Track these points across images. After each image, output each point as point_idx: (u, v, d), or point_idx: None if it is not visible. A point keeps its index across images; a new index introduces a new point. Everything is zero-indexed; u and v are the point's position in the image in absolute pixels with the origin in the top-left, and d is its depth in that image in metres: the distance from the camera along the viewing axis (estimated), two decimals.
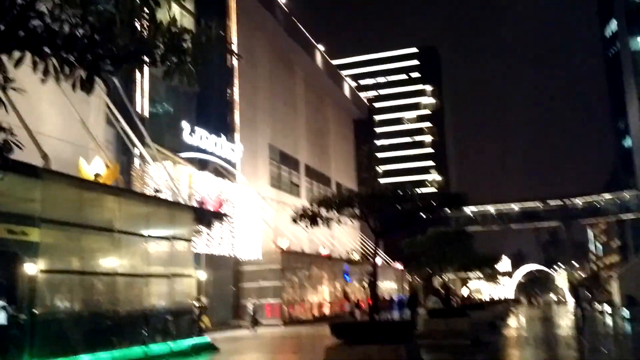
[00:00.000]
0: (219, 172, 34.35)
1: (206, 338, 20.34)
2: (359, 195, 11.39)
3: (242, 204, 33.96)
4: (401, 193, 11.19)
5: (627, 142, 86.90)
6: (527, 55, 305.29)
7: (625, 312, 30.97)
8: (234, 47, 38.94)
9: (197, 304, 21.59)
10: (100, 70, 4.57)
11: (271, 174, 47.11)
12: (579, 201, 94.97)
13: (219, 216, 23.90)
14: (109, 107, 24.17)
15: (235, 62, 39.42)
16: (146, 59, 4.42)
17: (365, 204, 11.36)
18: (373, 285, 12.12)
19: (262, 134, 45.65)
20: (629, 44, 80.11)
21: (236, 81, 39.65)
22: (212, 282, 32.93)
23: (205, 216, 21.48)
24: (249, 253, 33.92)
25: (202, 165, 32.99)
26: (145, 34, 4.34)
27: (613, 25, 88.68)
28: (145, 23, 4.44)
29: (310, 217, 11.92)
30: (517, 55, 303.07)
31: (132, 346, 15.96)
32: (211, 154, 33.78)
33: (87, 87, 4.56)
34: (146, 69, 27.29)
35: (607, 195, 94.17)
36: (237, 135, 38.59)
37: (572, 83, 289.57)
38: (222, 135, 35.35)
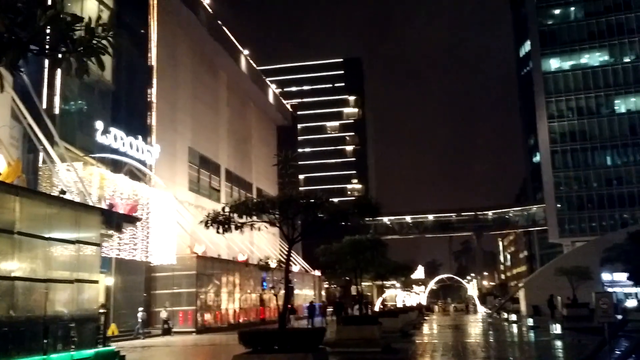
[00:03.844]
0: (134, 174, 33.24)
1: (112, 347, 19.48)
2: (271, 200, 11.21)
3: (158, 208, 32.98)
4: (313, 200, 11.12)
5: (537, 158, 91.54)
6: (445, 72, 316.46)
7: (530, 321, 32.43)
8: (154, 46, 37.93)
9: (102, 311, 20.68)
10: None
11: (190, 177, 46.12)
12: (490, 213, 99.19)
13: (129, 219, 23.00)
14: (14, 102, 22.83)
15: (154, 61, 38.37)
16: (33, 47, 4.07)
17: (279, 210, 11.21)
18: (285, 293, 11.95)
19: (182, 136, 44.64)
20: (540, 65, 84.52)
21: (155, 81, 38.62)
22: (122, 288, 31.77)
23: (114, 219, 20.57)
24: (162, 258, 32.95)
25: (115, 166, 31.82)
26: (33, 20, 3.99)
27: (527, 45, 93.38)
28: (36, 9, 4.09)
29: (222, 222, 11.63)
30: (435, 71, 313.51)
31: (31, 355, 15.01)
32: (126, 155, 32.64)
33: None
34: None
35: (516, 209, 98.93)
36: (154, 137, 37.55)
37: (488, 100, 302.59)
38: (139, 136, 34.27)
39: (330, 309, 45.36)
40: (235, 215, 11.59)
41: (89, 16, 4.23)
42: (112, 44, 4.51)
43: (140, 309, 30.90)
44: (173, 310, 35.34)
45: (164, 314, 30.51)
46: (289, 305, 43.13)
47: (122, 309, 31.60)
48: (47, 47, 4.07)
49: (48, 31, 4.17)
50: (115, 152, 31.73)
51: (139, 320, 30.06)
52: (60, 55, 4.10)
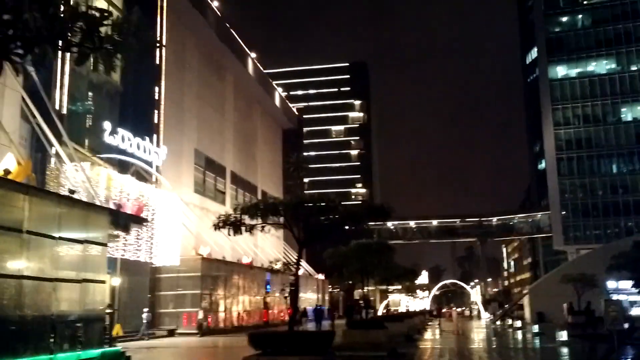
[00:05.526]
0: (141, 175, 33.30)
1: (117, 347, 19.46)
2: (284, 203, 11.19)
3: (163, 209, 33.01)
4: (327, 203, 11.09)
5: (542, 165, 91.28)
6: (451, 78, 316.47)
7: (535, 328, 32.29)
8: (162, 47, 37.92)
9: (109, 311, 20.68)
10: (10, 54, 4.16)
11: (196, 179, 46.16)
12: (494, 219, 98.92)
13: (137, 220, 23.00)
14: (24, 101, 22.89)
15: (163, 61, 38.43)
16: (60, 43, 4.06)
17: (291, 212, 11.18)
18: (295, 295, 11.90)
19: (188, 138, 44.71)
20: (547, 72, 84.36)
21: (163, 82, 38.69)
22: (127, 288, 31.79)
23: (122, 220, 20.56)
24: (167, 259, 32.95)
25: (122, 167, 31.88)
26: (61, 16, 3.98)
27: (533, 52, 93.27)
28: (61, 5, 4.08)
29: (233, 224, 11.62)
30: (441, 77, 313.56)
31: (38, 354, 14.99)
32: (133, 156, 32.70)
33: None
34: (67, 62, 26.12)
35: (521, 215, 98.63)
36: (161, 138, 37.61)
37: (494, 105, 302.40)
38: (146, 137, 34.33)
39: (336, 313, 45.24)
40: (246, 217, 11.55)
41: (117, 14, 4.21)
42: (133, 44, 4.50)
43: (145, 309, 30.89)
44: (177, 311, 35.37)
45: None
46: (303, 308, 43.22)
47: (126, 310, 31.60)
48: (73, 43, 4.04)
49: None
50: (123, 153, 31.79)
51: (144, 321, 30.05)
52: (87, 52, 4.07)
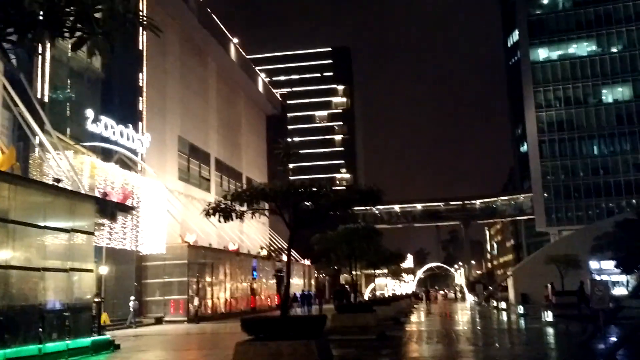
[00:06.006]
0: (125, 163, 33.01)
1: (106, 335, 19.42)
2: (274, 188, 11.16)
3: (148, 197, 32.81)
4: (318, 188, 11.09)
5: (524, 148, 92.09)
6: (433, 61, 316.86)
7: (520, 309, 32.75)
8: (142, 34, 37.41)
9: (96, 300, 20.59)
10: (2, 40, 4.07)
11: (180, 166, 45.89)
12: (477, 202, 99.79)
13: (123, 208, 22.87)
14: (6, 90, 22.51)
15: (144, 47, 37.97)
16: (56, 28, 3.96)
17: (281, 198, 11.17)
18: (287, 281, 11.94)
19: (172, 125, 44.36)
20: (529, 54, 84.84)
21: (145, 69, 38.26)
22: (114, 277, 31.65)
23: (108, 208, 20.44)
24: (153, 247, 32.82)
25: (106, 155, 31.58)
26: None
27: (515, 35, 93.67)
28: None
29: (224, 211, 11.57)
30: (423, 59, 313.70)
31: (27, 344, 14.92)
32: (116, 143, 32.40)
33: None
34: (47, 49, 25.69)
35: (504, 198, 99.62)
36: (144, 126, 37.28)
37: (476, 88, 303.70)
38: (129, 124, 33.99)
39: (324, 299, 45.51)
40: (237, 204, 11.51)
41: None
42: (128, 28, 4.43)
43: (132, 298, 30.81)
44: (164, 299, 35.33)
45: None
46: (292, 294, 43.36)
47: (113, 299, 31.48)
48: (72, 28, 3.95)
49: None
50: (106, 141, 31.48)
51: (131, 309, 29.97)
52: (84, 36, 3.99)
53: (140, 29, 4.31)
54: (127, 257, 32.75)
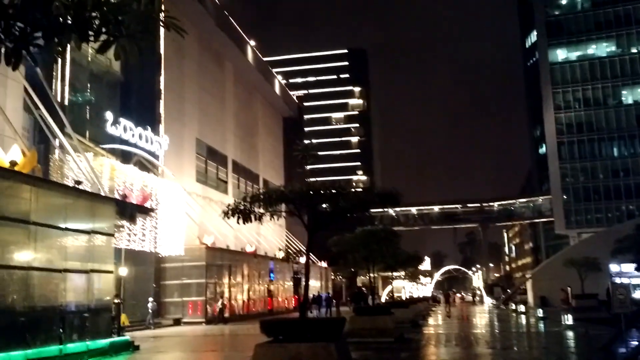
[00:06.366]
0: (143, 165, 33.27)
1: (126, 336, 19.58)
2: (294, 190, 11.17)
3: (167, 199, 33.03)
4: (337, 190, 11.07)
5: (543, 149, 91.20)
6: (450, 63, 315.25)
7: (539, 312, 32.43)
8: (161, 37, 37.70)
9: (116, 301, 20.77)
10: (30, 44, 4.12)
11: (198, 168, 46.11)
12: (495, 204, 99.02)
13: (143, 210, 23.06)
14: (27, 93, 22.80)
15: (162, 50, 38.23)
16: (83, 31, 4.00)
17: (300, 200, 11.17)
18: (305, 283, 11.92)
19: (190, 127, 44.61)
20: (547, 55, 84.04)
21: (163, 71, 38.54)
22: (133, 278, 31.88)
23: (128, 210, 20.62)
24: (171, 249, 33.03)
25: (125, 157, 31.84)
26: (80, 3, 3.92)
27: (533, 36, 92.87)
28: None
29: (243, 213, 11.60)
30: (440, 60, 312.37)
31: (47, 345, 15.09)
32: (135, 146, 32.65)
33: (13, 62, 4.10)
34: (68, 52, 25.99)
35: (522, 200, 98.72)
36: (162, 128, 37.54)
37: (494, 90, 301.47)
38: (148, 127, 34.26)
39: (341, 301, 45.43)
40: (255, 205, 11.54)
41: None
42: (151, 30, 4.47)
43: (150, 299, 31.02)
44: (183, 300, 35.53)
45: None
46: (312, 296, 43.38)
47: (132, 300, 31.71)
48: (99, 31, 3.99)
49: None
50: (125, 143, 31.74)
51: (150, 310, 30.17)
52: (111, 39, 4.02)
53: (160, 33, 4.34)
54: (146, 259, 32.97)
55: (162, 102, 38.14)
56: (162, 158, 36.03)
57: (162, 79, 38.36)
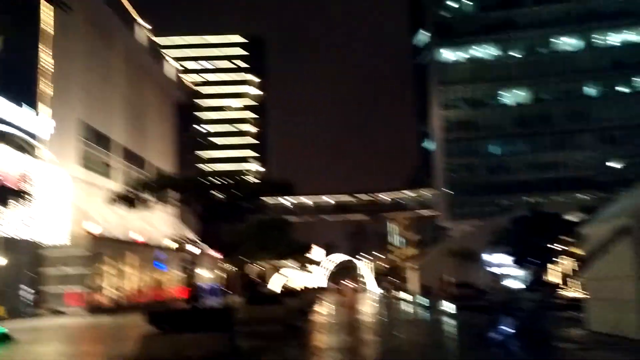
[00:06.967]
0: (20, 146, 31.03)
1: (2, 328, 18.25)
2: (183, 178, 10.84)
3: (47, 183, 31.06)
4: (229, 179, 10.87)
5: (429, 145, 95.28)
6: (343, 57, 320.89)
7: (424, 300, 33.92)
8: (47, 12, 35.31)
9: None
10: None
11: (82, 152, 43.72)
12: (385, 196, 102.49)
13: (19, 194, 21.48)
14: None
15: (44, 25, 35.78)
16: None
17: (192, 188, 10.86)
18: (194, 273, 11.65)
19: (73, 108, 42.11)
20: (435, 54, 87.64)
21: (44, 48, 36.08)
22: (9, 267, 29.74)
23: (2, 194, 19.15)
24: (53, 237, 31.17)
25: None
26: None
27: (422, 35, 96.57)
28: None
29: (128, 199, 11.11)
30: (334, 55, 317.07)
31: None
32: (10, 124, 30.38)
33: None
34: None
35: (410, 192, 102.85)
36: (44, 108, 35.20)
37: (385, 83, 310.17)
38: (26, 105, 31.99)
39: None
40: (144, 192, 11.09)
41: None
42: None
43: (25, 287, 29.15)
44: (64, 290, 33.76)
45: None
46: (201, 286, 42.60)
47: (8, 290, 29.65)
48: None
49: None
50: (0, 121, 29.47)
51: (28, 301, 28.36)
52: None
53: (41, 5, 3.98)
54: (23, 247, 30.87)
55: (43, 80, 35.72)
56: (43, 140, 33.81)
57: (44, 55, 35.91)
